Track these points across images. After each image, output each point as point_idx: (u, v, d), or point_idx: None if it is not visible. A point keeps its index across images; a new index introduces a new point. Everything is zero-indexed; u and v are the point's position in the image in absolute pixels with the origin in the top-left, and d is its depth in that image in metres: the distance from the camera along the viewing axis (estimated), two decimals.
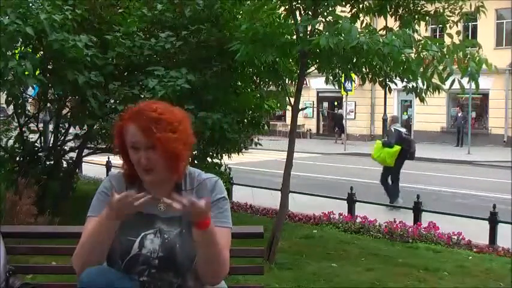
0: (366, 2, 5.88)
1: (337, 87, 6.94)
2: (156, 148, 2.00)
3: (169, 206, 2.09)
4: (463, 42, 5.00)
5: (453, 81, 4.92)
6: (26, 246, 2.76)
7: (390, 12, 5.98)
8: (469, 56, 4.85)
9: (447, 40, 5.14)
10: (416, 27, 5.98)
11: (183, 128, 2.07)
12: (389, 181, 10.16)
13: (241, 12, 6.34)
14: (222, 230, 2.08)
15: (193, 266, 2.07)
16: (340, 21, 4.91)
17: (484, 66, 4.85)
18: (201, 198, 2.01)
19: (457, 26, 6.17)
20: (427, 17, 6.10)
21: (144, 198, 1.92)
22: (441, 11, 6.11)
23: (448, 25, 6.12)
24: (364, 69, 5.88)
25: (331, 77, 6.33)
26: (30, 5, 5.59)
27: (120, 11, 6.72)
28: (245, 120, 7.27)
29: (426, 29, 6.41)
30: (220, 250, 2.02)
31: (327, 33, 4.83)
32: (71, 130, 7.72)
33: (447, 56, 4.81)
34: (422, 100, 5.96)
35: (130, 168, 2.12)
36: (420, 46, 4.98)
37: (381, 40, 4.70)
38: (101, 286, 1.92)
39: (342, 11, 5.66)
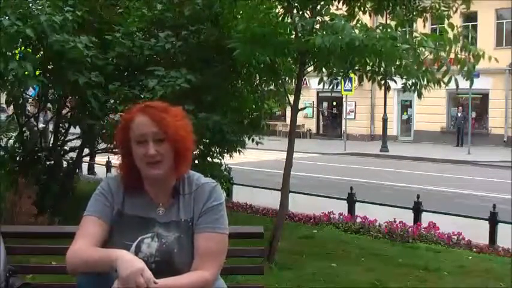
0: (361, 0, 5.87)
1: (329, 87, 6.78)
2: (166, 139, 2.02)
3: (168, 210, 2.09)
4: (459, 35, 4.97)
5: (450, 78, 4.91)
6: (26, 246, 2.75)
7: (388, 11, 5.96)
8: (465, 45, 4.83)
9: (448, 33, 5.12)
10: (414, 25, 5.97)
11: (188, 125, 2.13)
12: None
13: (241, 12, 6.33)
14: (217, 235, 2.08)
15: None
16: (334, 18, 4.92)
17: (484, 64, 4.85)
18: (197, 202, 2.08)
19: (448, 19, 6.11)
20: (424, 13, 6.08)
21: None
22: (437, 6, 6.09)
23: (446, 19, 6.08)
24: (362, 68, 5.86)
25: (325, 78, 6.31)
26: (30, 5, 5.57)
27: (120, 11, 6.72)
28: (245, 121, 7.26)
29: (424, 26, 6.35)
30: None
31: (324, 32, 4.83)
32: (74, 130, 7.72)
33: (445, 47, 4.79)
34: (420, 96, 5.89)
35: (128, 170, 2.10)
36: (417, 43, 4.97)
37: (376, 36, 4.70)
38: None
39: (339, 10, 5.65)
